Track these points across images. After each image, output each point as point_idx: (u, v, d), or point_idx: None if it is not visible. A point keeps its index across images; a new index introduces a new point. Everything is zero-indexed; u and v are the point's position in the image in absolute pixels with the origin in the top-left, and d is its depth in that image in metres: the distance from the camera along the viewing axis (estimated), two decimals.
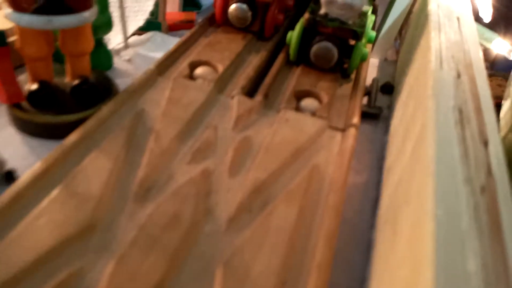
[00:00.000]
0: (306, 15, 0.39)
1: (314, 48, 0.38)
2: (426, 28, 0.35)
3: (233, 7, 0.42)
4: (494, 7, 0.49)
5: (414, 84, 0.31)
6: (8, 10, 0.27)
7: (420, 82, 0.29)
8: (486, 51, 0.52)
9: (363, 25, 0.37)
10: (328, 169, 0.29)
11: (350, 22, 0.37)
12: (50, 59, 0.31)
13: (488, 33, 0.52)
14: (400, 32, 0.53)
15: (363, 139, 0.36)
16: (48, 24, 0.27)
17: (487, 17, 0.47)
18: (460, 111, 0.23)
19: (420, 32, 0.37)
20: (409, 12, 0.50)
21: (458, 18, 0.36)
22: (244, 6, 0.41)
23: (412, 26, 0.46)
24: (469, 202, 0.17)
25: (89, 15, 0.29)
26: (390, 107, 0.41)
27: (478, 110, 0.24)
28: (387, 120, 0.39)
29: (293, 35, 0.39)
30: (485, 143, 0.21)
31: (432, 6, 0.37)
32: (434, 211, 0.16)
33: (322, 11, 0.38)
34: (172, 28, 0.47)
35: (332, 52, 0.38)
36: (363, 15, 0.38)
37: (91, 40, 0.31)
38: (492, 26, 0.51)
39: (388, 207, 0.26)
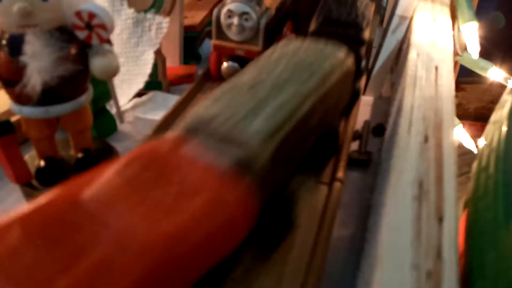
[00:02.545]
0: None
1: None
2: (404, 80, 0.36)
3: (224, 65, 0.44)
4: (485, 38, 0.49)
5: (388, 146, 0.33)
6: (11, 102, 0.31)
7: (389, 147, 0.31)
8: None
9: None
10: (312, 228, 0.31)
11: None
12: (53, 137, 0.34)
13: (483, 62, 0.53)
14: (396, 63, 0.54)
15: (351, 188, 0.38)
16: (46, 114, 0.30)
17: (475, 53, 0.48)
18: (420, 185, 0.25)
19: (402, 82, 0.38)
20: (401, 46, 0.52)
21: (436, 68, 0.37)
22: (236, 64, 0.44)
23: (401, 64, 0.47)
24: None
25: (85, 99, 0.32)
26: (381, 151, 0.43)
27: (439, 181, 0.25)
28: (377, 166, 0.41)
29: None
30: (440, 219, 0.23)
31: (411, 56, 0.38)
32: None
33: None
34: (174, 83, 0.50)
35: None
36: None
37: (89, 116, 0.34)
38: (486, 56, 0.52)
39: (364, 274, 0.28)
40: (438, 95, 0.33)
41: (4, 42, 0.28)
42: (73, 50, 0.29)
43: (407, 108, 0.31)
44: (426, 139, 0.28)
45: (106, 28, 0.28)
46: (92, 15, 0.28)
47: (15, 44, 0.28)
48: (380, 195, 0.29)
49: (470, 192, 0.28)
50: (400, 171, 0.25)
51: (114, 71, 0.30)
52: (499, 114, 0.29)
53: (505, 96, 0.31)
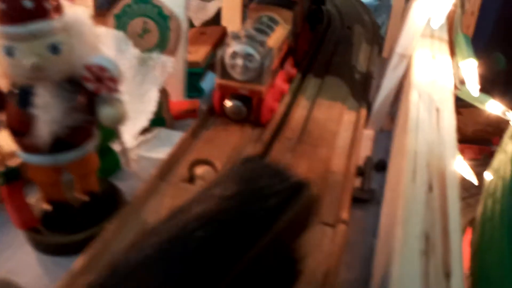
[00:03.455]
0: None
1: None
2: (406, 122, 0.36)
3: (228, 104, 0.45)
4: (483, 77, 0.50)
5: (393, 191, 0.33)
6: (18, 151, 0.31)
7: (395, 194, 0.31)
8: None
9: None
10: (317, 273, 0.31)
11: None
12: (59, 181, 0.34)
13: (482, 96, 0.53)
14: (396, 99, 0.55)
15: (354, 227, 0.38)
16: (54, 162, 0.31)
17: (474, 90, 0.48)
18: (427, 238, 0.25)
19: (403, 122, 0.39)
20: (403, 80, 0.52)
21: (437, 110, 0.38)
22: (239, 103, 0.44)
23: (401, 101, 0.48)
24: None
25: (91, 145, 0.33)
26: (383, 188, 0.43)
27: (445, 234, 0.25)
28: (380, 203, 0.41)
29: None
30: (447, 275, 0.23)
31: (413, 97, 0.39)
32: None
33: None
34: (177, 117, 0.50)
35: None
36: None
37: (95, 161, 0.35)
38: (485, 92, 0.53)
39: None
40: (441, 138, 0.34)
41: (14, 92, 0.29)
42: (81, 100, 0.30)
43: (411, 153, 0.32)
44: (430, 189, 0.29)
45: (116, 80, 0.29)
46: (102, 69, 0.28)
47: (25, 96, 0.28)
48: (386, 243, 0.29)
49: (476, 240, 0.28)
50: (407, 224, 0.25)
51: (122, 119, 0.31)
52: (501, 160, 0.30)
53: (506, 140, 0.31)
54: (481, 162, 0.97)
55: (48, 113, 0.28)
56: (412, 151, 0.32)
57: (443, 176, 0.30)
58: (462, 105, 0.42)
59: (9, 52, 0.27)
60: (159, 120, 0.47)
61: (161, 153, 0.43)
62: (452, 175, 0.30)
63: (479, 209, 0.29)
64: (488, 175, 0.33)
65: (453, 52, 0.52)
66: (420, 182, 0.29)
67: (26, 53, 0.27)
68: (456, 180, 0.30)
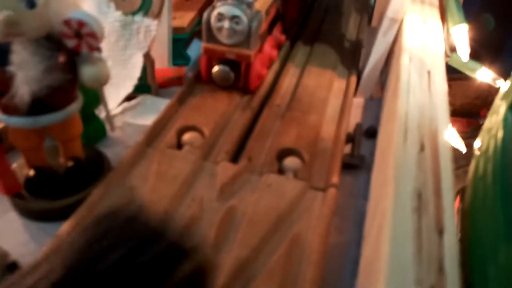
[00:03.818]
0: None
1: None
2: (397, 86, 0.36)
3: (215, 69, 0.43)
4: (474, 40, 0.50)
5: (383, 153, 0.33)
6: None
7: (386, 155, 0.30)
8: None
9: None
10: (308, 237, 0.31)
11: None
12: (41, 146, 0.33)
13: (472, 63, 0.53)
14: (385, 66, 0.54)
15: (345, 192, 0.38)
16: (34, 124, 0.29)
17: (465, 55, 0.48)
18: (419, 196, 0.24)
19: (393, 86, 0.38)
20: (391, 48, 0.52)
21: (429, 73, 0.37)
22: (227, 68, 0.43)
23: (391, 66, 0.47)
24: None
25: (74, 108, 0.31)
26: (373, 154, 0.43)
27: (438, 192, 0.25)
28: (370, 169, 0.41)
29: None
30: (440, 232, 0.23)
31: (404, 61, 0.38)
32: None
33: None
34: (163, 85, 0.49)
35: None
36: None
37: (79, 125, 0.33)
38: (475, 58, 0.52)
39: (361, 283, 0.28)
40: (432, 102, 0.33)
41: None
42: (61, 59, 0.28)
43: (402, 115, 0.31)
44: (422, 148, 0.28)
45: (97, 36, 0.27)
46: (81, 24, 0.27)
47: (2, 54, 0.27)
48: (377, 204, 0.29)
49: (467, 199, 0.28)
50: (399, 182, 0.25)
51: (105, 79, 0.30)
52: (493, 120, 0.29)
53: (498, 101, 0.31)
54: (469, 134, 0.98)
55: (26, 71, 0.26)
56: (403, 113, 0.32)
57: (435, 136, 0.29)
58: (450, 78, 0.42)
59: None
60: (144, 86, 0.46)
61: (147, 120, 0.42)
62: (443, 136, 0.30)
63: (471, 169, 0.29)
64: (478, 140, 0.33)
65: (444, 18, 0.51)
66: (411, 143, 0.29)
67: None
68: (448, 140, 0.29)
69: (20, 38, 0.27)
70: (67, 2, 0.27)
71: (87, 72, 0.29)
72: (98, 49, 0.29)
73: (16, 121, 0.29)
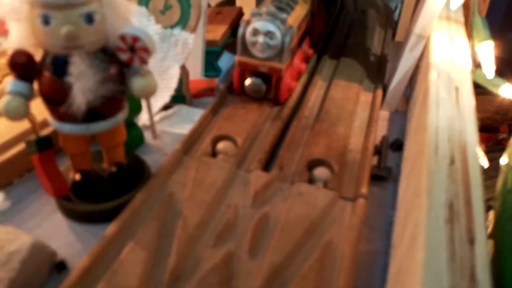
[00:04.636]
0: None
1: None
2: (426, 100, 0.37)
3: (248, 82, 0.45)
4: (498, 58, 0.51)
5: (414, 164, 0.34)
6: (51, 119, 0.32)
7: (417, 166, 0.32)
8: None
9: None
10: (339, 245, 0.32)
11: None
12: (88, 151, 0.35)
13: (496, 79, 0.54)
14: (410, 80, 0.55)
15: (372, 203, 0.39)
16: (86, 131, 0.32)
17: (490, 73, 0.49)
18: (451, 207, 0.26)
19: (422, 100, 0.40)
20: (418, 63, 0.53)
21: (457, 89, 0.38)
22: (259, 80, 0.45)
23: (418, 81, 0.48)
24: None
25: (122, 116, 0.33)
26: (400, 166, 0.44)
27: (468, 204, 0.26)
28: (397, 180, 0.42)
29: None
30: (472, 241, 0.24)
31: (432, 76, 0.39)
32: None
33: None
34: (196, 96, 0.51)
35: None
36: None
37: (123, 132, 0.35)
38: (500, 75, 0.53)
39: None
40: (461, 115, 0.35)
41: (49, 61, 0.29)
42: (114, 71, 0.30)
43: (432, 129, 0.33)
44: (452, 161, 0.30)
45: (148, 51, 0.29)
46: (135, 39, 0.29)
47: (60, 65, 0.29)
48: (409, 214, 0.30)
49: (497, 212, 0.29)
50: (431, 193, 0.26)
51: (153, 90, 0.32)
52: None
53: None
54: (489, 149, 0.98)
55: (83, 81, 0.28)
56: (433, 126, 0.33)
57: (464, 149, 0.31)
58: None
59: (45, 21, 0.28)
60: (180, 97, 0.48)
61: (183, 129, 0.44)
62: (473, 148, 0.31)
63: (499, 182, 0.30)
64: (505, 157, 0.34)
65: (469, 35, 0.52)
66: (442, 155, 0.30)
67: (61, 21, 0.28)
68: (477, 153, 0.31)
69: (78, 50, 0.29)
70: (122, 18, 0.30)
71: (137, 84, 0.31)
72: (147, 63, 0.31)
73: (70, 128, 0.31)
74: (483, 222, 0.25)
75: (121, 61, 0.30)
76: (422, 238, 0.24)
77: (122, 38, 0.29)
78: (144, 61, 0.30)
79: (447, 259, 0.23)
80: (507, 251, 0.24)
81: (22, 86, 0.30)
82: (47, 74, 0.30)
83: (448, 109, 0.35)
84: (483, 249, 0.23)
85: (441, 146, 0.31)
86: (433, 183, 0.27)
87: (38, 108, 0.32)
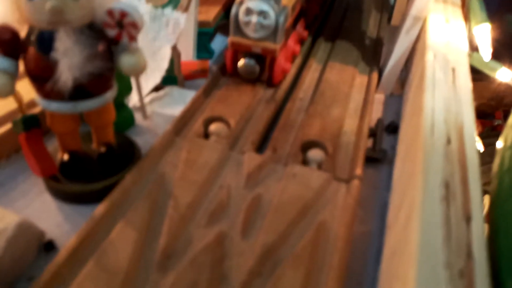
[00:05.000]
0: None
1: None
2: (422, 81, 0.37)
3: (241, 62, 0.44)
4: (496, 40, 0.50)
5: (410, 145, 0.33)
6: (37, 97, 0.31)
7: (413, 148, 0.31)
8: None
9: None
10: (333, 225, 0.32)
11: None
12: (77, 131, 0.34)
13: (493, 63, 0.53)
14: (406, 63, 0.55)
15: (367, 184, 0.39)
16: (73, 109, 0.31)
17: (487, 55, 0.48)
18: (447, 186, 0.25)
19: (418, 82, 0.39)
20: (414, 46, 0.52)
21: (453, 70, 0.38)
22: (252, 61, 0.44)
23: (414, 63, 0.48)
24: (448, 287, 0.20)
25: (110, 95, 0.32)
26: (395, 148, 0.43)
27: (465, 183, 0.26)
28: (392, 163, 0.42)
29: None
30: (468, 220, 0.23)
31: (428, 57, 0.39)
32: None
33: None
34: (188, 78, 0.50)
35: None
36: None
37: (113, 112, 0.35)
38: (496, 58, 0.53)
39: (385, 272, 0.29)
40: (457, 97, 0.34)
41: (35, 38, 0.28)
42: (101, 47, 0.29)
43: (428, 110, 0.32)
44: (449, 141, 0.29)
45: (137, 26, 0.28)
46: (123, 14, 0.28)
47: (46, 41, 0.28)
48: (404, 195, 0.30)
49: (493, 193, 0.29)
50: (427, 173, 0.26)
51: (143, 68, 0.31)
52: None
53: None
54: (485, 135, 0.98)
55: (70, 58, 0.28)
56: (429, 107, 0.32)
57: (461, 129, 0.30)
58: None
59: None
60: (171, 78, 0.47)
61: (174, 110, 0.43)
62: (469, 129, 0.30)
63: (495, 163, 0.30)
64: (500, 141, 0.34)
65: (466, 17, 0.51)
66: (438, 136, 0.29)
67: None
68: (474, 134, 0.30)
69: (64, 26, 0.28)
70: None
71: (126, 61, 0.30)
72: (136, 39, 0.30)
73: (56, 106, 0.30)
74: (480, 201, 0.25)
75: (109, 38, 0.29)
76: (417, 217, 0.23)
77: (110, 13, 0.28)
78: (132, 37, 0.29)
79: (443, 237, 0.22)
80: (503, 232, 0.24)
81: (7, 63, 0.29)
82: (32, 50, 0.29)
83: (444, 91, 0.35)
84: (480, 227, 0.23)
85: (437, 127, 0.30)
86: (429, 163, 0.27)
87: (26, 89, 0.31)
